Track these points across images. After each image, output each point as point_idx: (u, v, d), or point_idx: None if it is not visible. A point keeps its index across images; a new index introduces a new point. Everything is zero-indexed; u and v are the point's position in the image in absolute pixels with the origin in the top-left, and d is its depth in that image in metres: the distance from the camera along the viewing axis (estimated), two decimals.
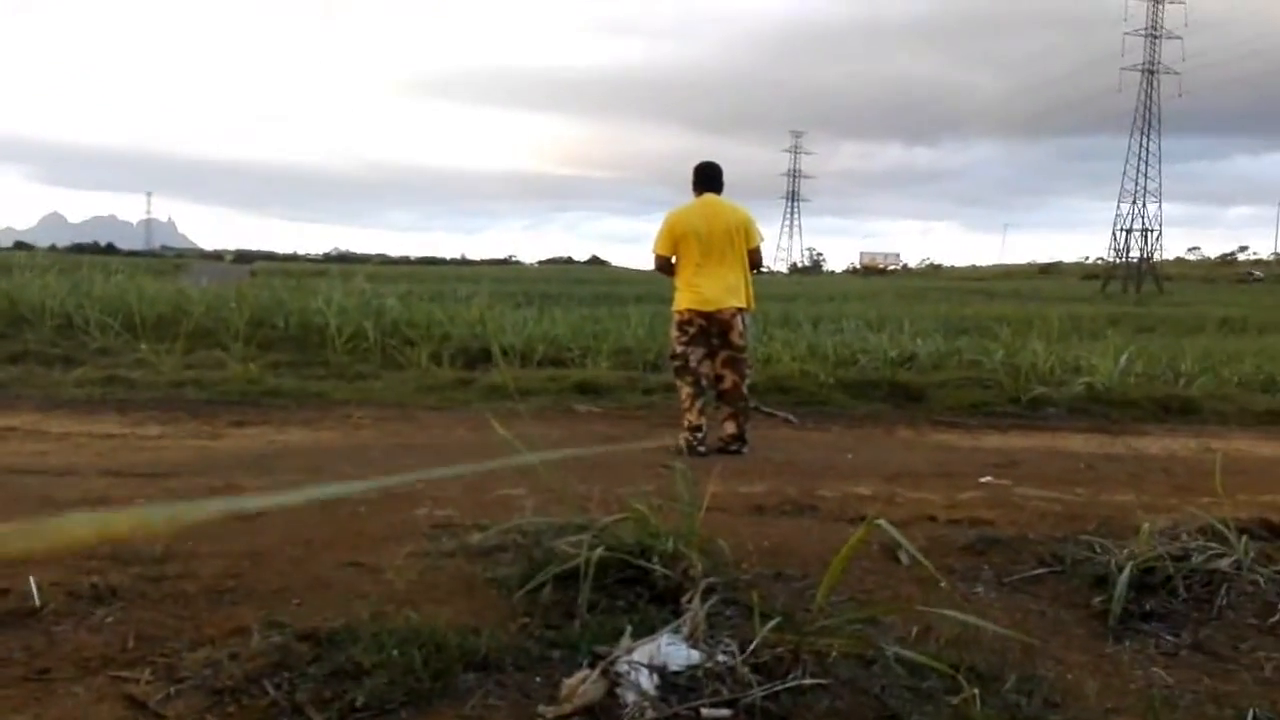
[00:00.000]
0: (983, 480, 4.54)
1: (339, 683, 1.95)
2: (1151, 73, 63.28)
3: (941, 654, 2.12)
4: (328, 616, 2.25)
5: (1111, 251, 65.87)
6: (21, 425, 5.64)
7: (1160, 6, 62.00)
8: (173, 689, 1.94)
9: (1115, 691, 2.15)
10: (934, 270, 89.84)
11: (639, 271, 59.52)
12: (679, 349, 5.42)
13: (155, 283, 12.87)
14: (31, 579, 2.42)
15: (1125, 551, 2.77)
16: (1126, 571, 2.61)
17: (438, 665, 2.00)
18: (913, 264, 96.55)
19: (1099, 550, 2.91)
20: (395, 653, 2.03)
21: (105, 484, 3.90)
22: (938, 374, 8.46)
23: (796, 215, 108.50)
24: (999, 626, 2.27)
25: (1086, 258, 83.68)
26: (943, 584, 2.66)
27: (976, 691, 1.93)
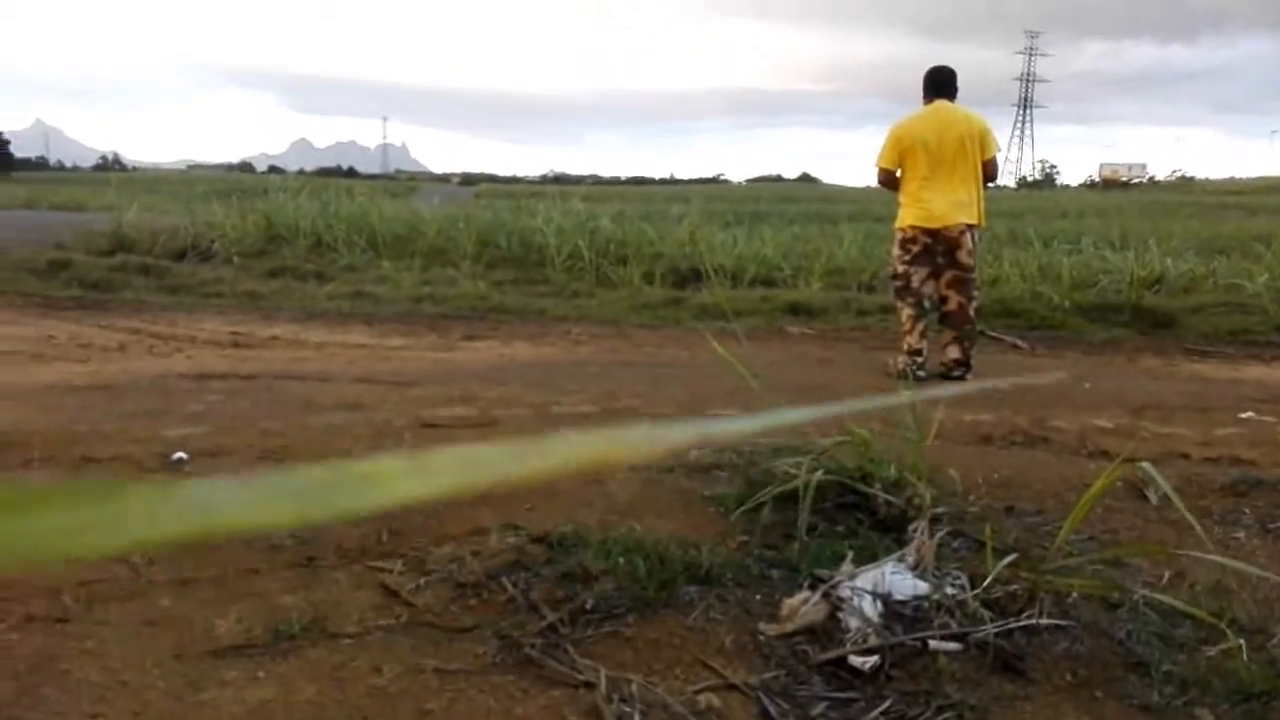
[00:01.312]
0: (1243, 416, 4.12)
1: (570, 585, 2.04)
2: None
3: (1198, 601, 1.96)
4: (558, 522, 2.36)
5: None
6: (282, 335, 6.22)
7: None
8: (421, 580, 2.11)
9: None
10: (1185, 183, 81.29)
11: (851, 189, 57.54)
12: (901, 268, 5.20)
13: (392, 204, 13.73)
14: None
15: None
16: None
17: (662, 576, 2.06)
18: (1160, 177, 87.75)
19: None
20: (621, 560, 2.10)
21: (357, 390, 4.24)
22: (1190, 298, 7.70)
23: (1029, 124, 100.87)
24: (1266, 573, 2.07)
25: None
26: (1198, 527, 2.45)
27: (1241, 643, 1.77)
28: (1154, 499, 2.59)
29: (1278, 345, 6.45)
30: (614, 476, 2.79)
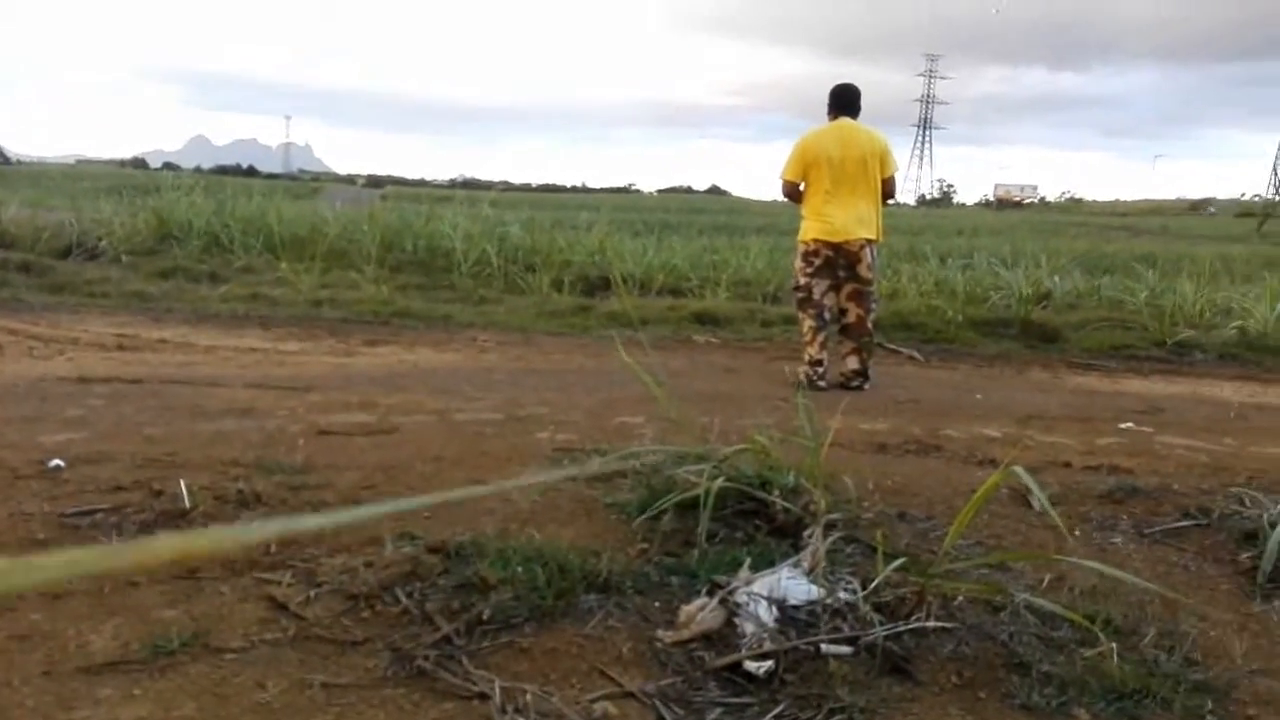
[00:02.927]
0: (1123, 426, 4.33)
1: (466, 595, 2.01)
2: None
3: (1076, 604, 2.04)
4: (456, 531, 2.32)
5: (1271, 188, 61.10)
6: (171, 337, 5.99)
7: None
8: (311, 592, 2.04)
9: (1263, 653, 2.03)
10: (1074, 204, 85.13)
11: (759, 201, 58.49)
12: (803, 280, 5.30)
13: (293, 205, 13.37)
14: (182, 482, 2.58)
15: (1278, 507, 2.60)
16: (1279, 528, 2.45)
17: (560, 584, 2.04)
18: (1051, 197, 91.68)
19: (1249, 504, 2.74)
20: (520, 570, 2.08)
21: (249, 395, 4.11)
22: (1075, 314, 8.08)
23: (928, 144, 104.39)
24: (1138, 579, 2.17)
25: (1243, 194, 77.84)
26: (1077, 533, 2.55)
27: (1114, 645, 1.85)
28: (1037, 505, 2.69)
29: (1156, 360, 6.80)
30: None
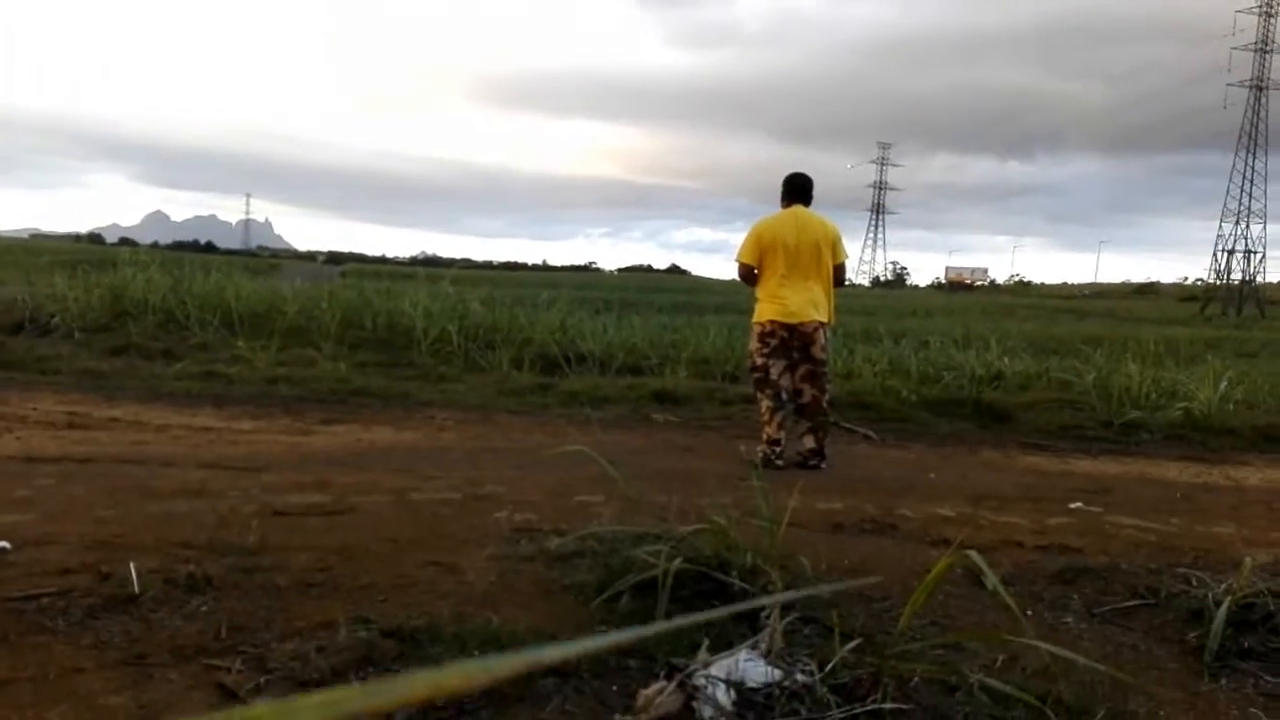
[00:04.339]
0: (1072, 506, 4.41)
1: None
2: (1260, 89, 60.61)
3: (1028, 684, 2.07)
4: (412, 615, 2.30)
5: (1212, 273, 63.25)
6: (123, 416, 5.89)
7: (1270, 21, 59.38)
8: (262, 679, 2.01)
9: None
10: (1023, 287, 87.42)
11: (718, 281, 59.31)
12: (759, 360, 5.39)
13: (252, 282, 13.32)
14: (131, 565, 2.53)
15: (1223, 586, 2.67)
16: (1224, 607, 2.51)
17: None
18: (1001, 280, 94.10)
19: (1195, 584, 2.81)
20: (476, 654, 2.06)
21: (202, 476, 4.05)
22: (1025, 394, 8.24)
23: (881, 228, 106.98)
24: (1088, 659, 2.20)
25: (1185, 279, 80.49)
26: (1028, 614, 2.59)
27: None
28: (990, 585, 2.73)
29: (1104, 440, 6.95)
30: (471, 565, 2.75)
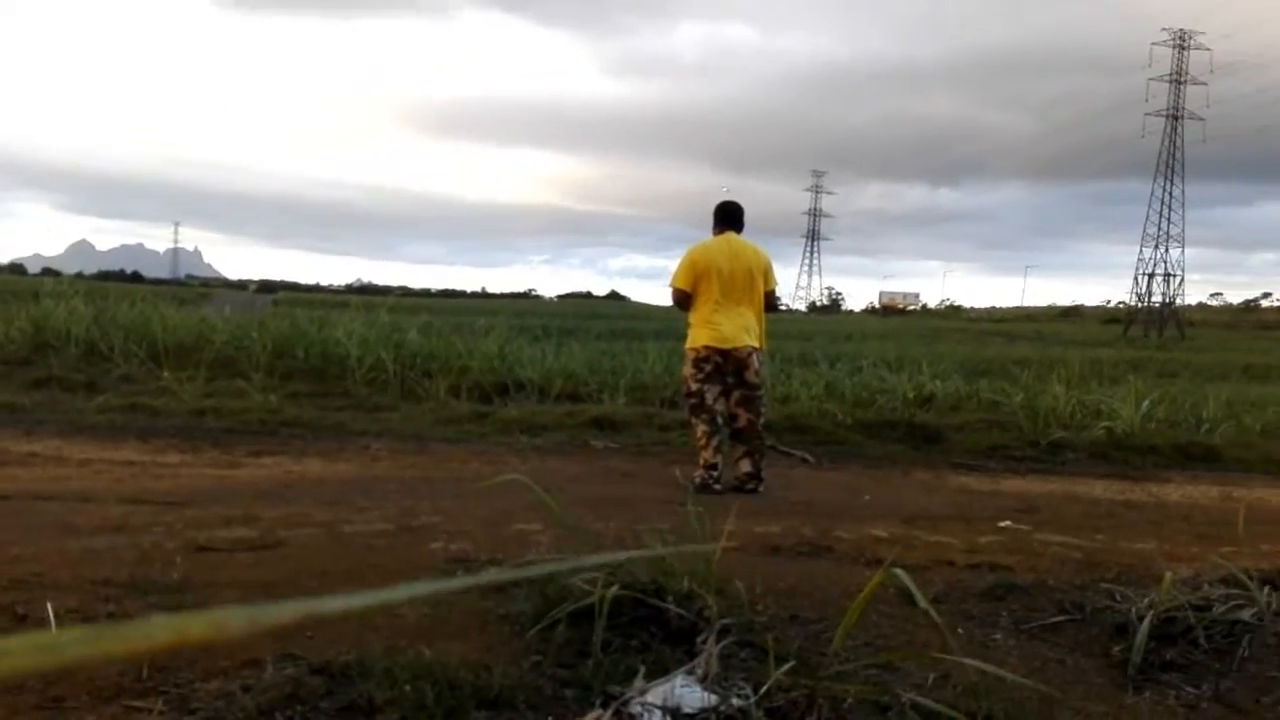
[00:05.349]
0: (1002, 525, 4.50)
1: (351, 717, 1.94)
2: (1176, 118, 63.16)
3: (958, 701, 2.10)
4: (341, 650, 2.25)
5: (1133, 296, 65.43)
6: (43, 451, 5.69)
7: (1185, 53, 61.98)
8: None
9: None
10: (953, 311, 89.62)
11: (657, 307, 59.61)
12: (694, 386, 5.42)
13: (179, 311, 13.00)
14: (49, 605, 2.44)
15: (1146, 600, 2.74)
16: (1147, 621, 2.58)
17: (450, 702, 2.00)
18: (932, 305, 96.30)
19: (1119, 598, 2.88)
20: (408, 688, 2.03)
21: (123, 511, 3.92)
22: (956, 415, 8.41)
23: (816, 254, 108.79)
24: (1017, 675, 2.24)
25: (1108, 301, 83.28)
26: (959, 631, 2.63)
27: None
28: (922, 604, 2.77)
29: (1032, 459, 7.11)
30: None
